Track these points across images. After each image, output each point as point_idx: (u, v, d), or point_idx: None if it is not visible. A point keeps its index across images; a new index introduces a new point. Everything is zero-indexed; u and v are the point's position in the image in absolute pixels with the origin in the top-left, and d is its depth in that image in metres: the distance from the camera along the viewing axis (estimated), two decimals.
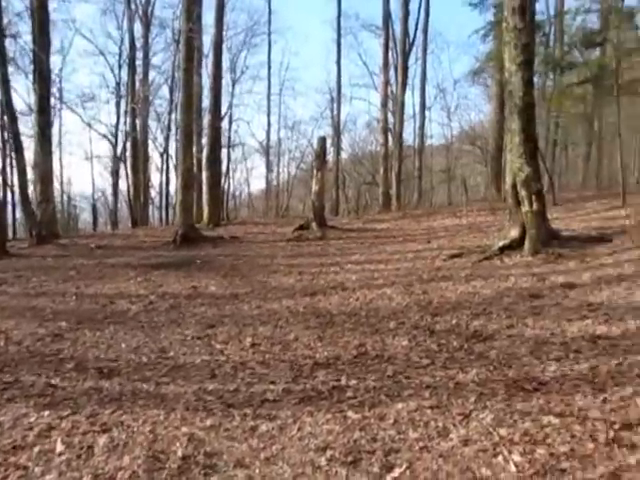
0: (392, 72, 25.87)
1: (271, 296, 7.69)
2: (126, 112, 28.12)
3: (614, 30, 16.49)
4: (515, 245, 9.06)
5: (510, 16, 9.01)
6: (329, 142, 23.30)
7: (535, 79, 11.49)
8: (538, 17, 17.30)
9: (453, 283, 7.64)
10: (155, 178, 31.14)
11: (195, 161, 18.51)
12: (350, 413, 3.61)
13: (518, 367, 4.26)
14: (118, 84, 29.09)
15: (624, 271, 7.27)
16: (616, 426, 3.15)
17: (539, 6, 21.53)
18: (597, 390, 3.69)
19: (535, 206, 8.92)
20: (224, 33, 22.45)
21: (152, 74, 29.29)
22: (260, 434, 3.40)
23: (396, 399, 3.79)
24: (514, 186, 9.23)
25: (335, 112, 29.14)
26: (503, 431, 3.21)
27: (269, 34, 30.05)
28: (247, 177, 35.67)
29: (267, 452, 3.16)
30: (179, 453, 3.18)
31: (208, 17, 21.68)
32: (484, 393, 3.79)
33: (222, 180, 24.09)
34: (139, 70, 28.14)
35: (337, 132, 28.92)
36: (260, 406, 3.81)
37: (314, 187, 15.43)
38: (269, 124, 30.78)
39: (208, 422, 3.58)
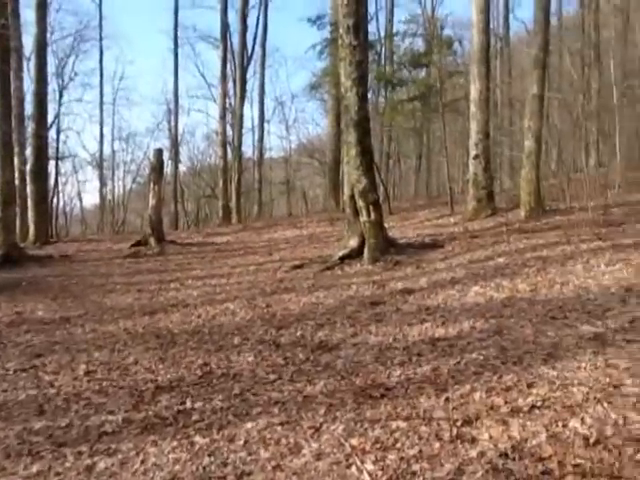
0: (231, 84, 25.76)
1: (107, 317, 7.19)
2: None
3: (437, 54, 17.94)
4: (355, 254, 9.33)
5: (345, 34, 9.33)
6: (166, 154, 22.57)
7: (369, 95, 12.05)
8: (370, 37, 18.28)
9: (296, 294, 7.67)
10: None
11: (18, 174, 16.92)
12: (197, 438, 3.42)
13: (365, 375, 4.32)
14: None
15: (456, 275, 7.77)
16: (458, 423, 3.30)
17: (371, 27, 22.71)
18: (439, 390, 3.84)
19: (373, 216, 9.27)
20: (49, 35, 20.93)
21: None
22: (98, 473, 3.09)
23: (245, 418, 3.67)
24: (352, 197, 9.53)
25: (172, 124, 28.36)
26: (354, 441, 3.21)
27: (100, 40, 28.42)
28: (79, 191, 33.24)
29: None
30: None
31: (29, 15, 20.08)
32: (333, 404, 3.79)
33: (50, 195, 22.39)
34: None
35: (175, 144, 28.19)
36: (97, 440, 3.48)
37: (151, 201, 14.83)
38: (102, 135, 29.09)
39: (34, 468, 3.19)
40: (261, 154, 27.65)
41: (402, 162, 29.37)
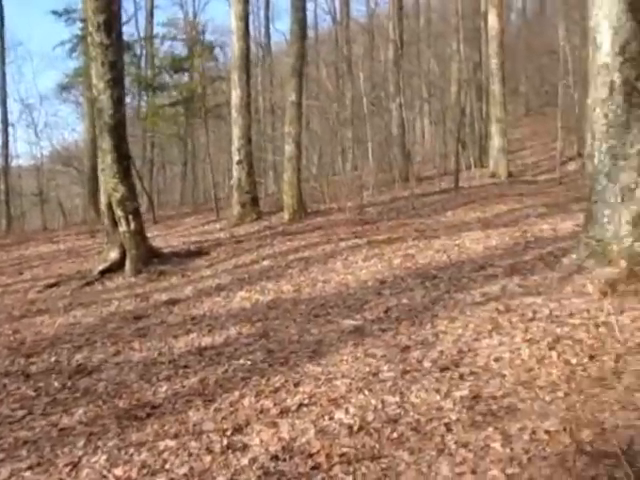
0: None
1: None
2: None
3: (198, 59, 17.86)
4: (116, 267, 8.80)
5: (95, 32, 8.67)
6: None
7: (129, 99, 11.47)
8: (129, 38, 17.50)
9: (50, 316, 6.97)
10: None
11: None
12: None
13: (129, 395, 4.06)
14: None
15: (222, 281, 7.72)
16: (229, 432, 3.23)
17: (130, 28, 21.73)
18: (208, 401, 3.75)
19: (133, 226, 8.81)
20: None
21: None
22: None
23: None
24: (110, 206, 8.96)
25: None
26: (119, 470, 2.98)
27: None
28: None
29: None
30: None
31: None
32: (94, 432, 3.48)
33: None
34: None
35: None
36: None
37: None
38: None
39: None
40: (7, 162, 24.87)
41: (167, 169, 28.73)
